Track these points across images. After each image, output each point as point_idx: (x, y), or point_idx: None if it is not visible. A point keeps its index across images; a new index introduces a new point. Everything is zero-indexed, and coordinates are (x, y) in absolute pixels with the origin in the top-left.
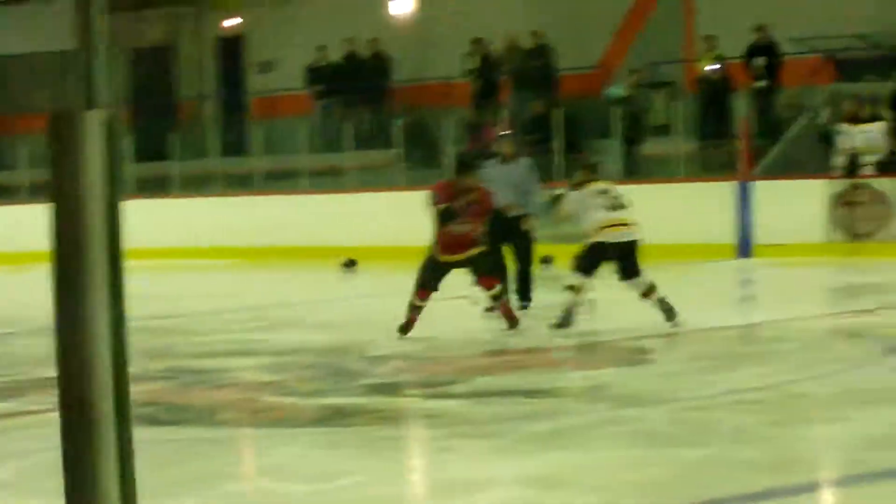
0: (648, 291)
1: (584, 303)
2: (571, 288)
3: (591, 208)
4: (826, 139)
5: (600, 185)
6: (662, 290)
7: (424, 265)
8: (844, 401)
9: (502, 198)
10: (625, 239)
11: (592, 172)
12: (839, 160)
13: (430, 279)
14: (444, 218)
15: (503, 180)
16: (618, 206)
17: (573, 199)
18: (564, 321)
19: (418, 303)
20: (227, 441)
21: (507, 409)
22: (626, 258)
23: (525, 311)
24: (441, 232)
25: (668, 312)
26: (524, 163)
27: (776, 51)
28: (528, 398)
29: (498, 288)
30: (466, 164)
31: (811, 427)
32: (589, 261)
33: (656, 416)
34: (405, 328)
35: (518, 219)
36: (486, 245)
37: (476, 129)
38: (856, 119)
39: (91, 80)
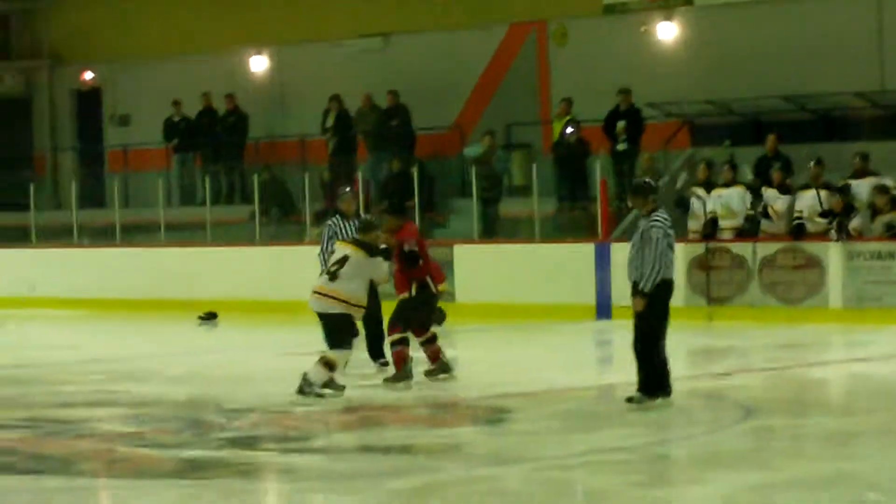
0: (324, 363)
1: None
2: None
3: None
4: (682, 204)
5: (339, 247)
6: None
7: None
8: (704, 463)
9: None
10: (312, 307)
11: (365, 231)
12: (693, 225)
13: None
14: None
15: (346, 238)
16: (328, 272)
17: None
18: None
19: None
20: (85, 491)
21: (364, 466)
22: (322, 326)
23: (383, 368)
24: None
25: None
26: None
27: (638, 115)
28: (385, 455)
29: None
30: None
31: (671, 489)
32: None
33: (513, 475)
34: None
35: None
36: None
37: (332, 186)
38: (710, 185)
39: None
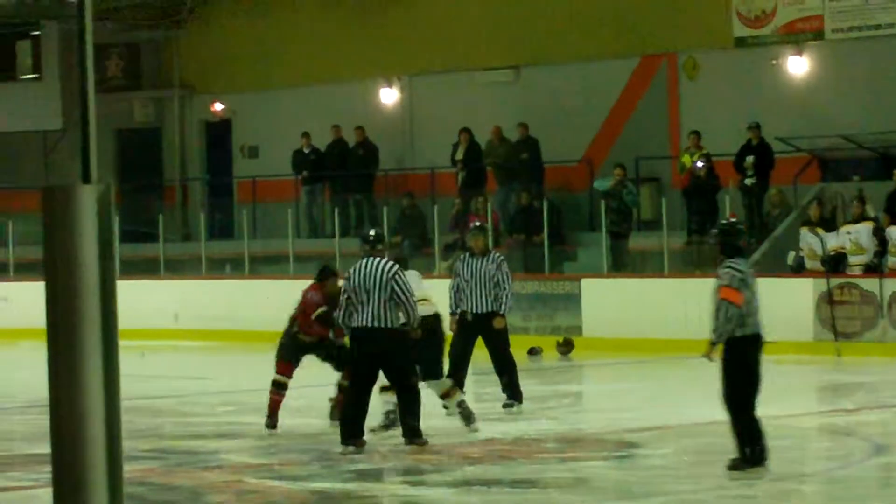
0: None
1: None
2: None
3: None
4: (797, 269)
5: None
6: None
7: None
8: (833, 498)
9: (472, 294)
10: None
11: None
12: (810, 264)
13: None
14: None
15: (473, 276)
16: None
17: None
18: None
19: None
20: None
21: (492, 499)
22: None
23: (517, 409)
24: None
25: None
26: (495, 258)
27: (768, 150)
28: (513, 489)
29: None
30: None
31: None
32: None
33: None
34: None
35: (489, 316)
36: None
37: (462, 218)
38: (825, 222)
39: (86, 157)
